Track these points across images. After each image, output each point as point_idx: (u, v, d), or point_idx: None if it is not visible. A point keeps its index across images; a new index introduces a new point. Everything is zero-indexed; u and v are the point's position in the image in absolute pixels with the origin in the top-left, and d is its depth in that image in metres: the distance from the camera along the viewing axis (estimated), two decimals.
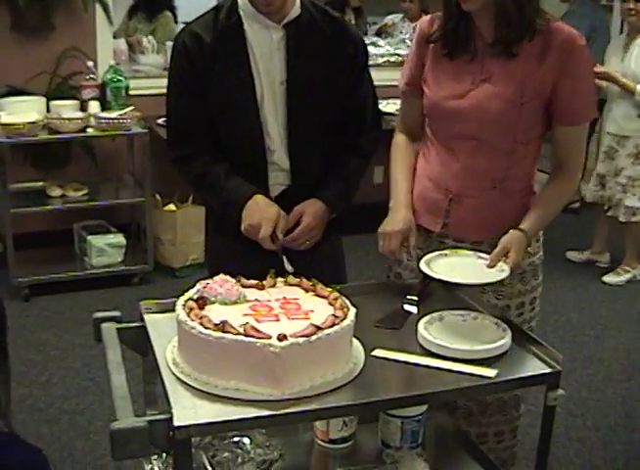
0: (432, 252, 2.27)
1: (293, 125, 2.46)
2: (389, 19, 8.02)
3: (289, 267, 2.33)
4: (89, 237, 5.23)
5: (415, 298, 2.22)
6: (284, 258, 2.37)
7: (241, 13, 2.40)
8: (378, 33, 7.60)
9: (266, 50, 2.41)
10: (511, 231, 2.21)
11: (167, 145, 2.59)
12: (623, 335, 4.73)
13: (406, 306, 2.20)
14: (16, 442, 1.47)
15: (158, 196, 5.31)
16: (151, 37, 6.45)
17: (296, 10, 2.41)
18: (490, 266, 2.14)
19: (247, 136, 2.47)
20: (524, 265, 2.34)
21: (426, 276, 2.16)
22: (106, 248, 5.20)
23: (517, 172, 2.32)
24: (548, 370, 1.88)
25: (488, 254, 2.19)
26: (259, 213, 2.37)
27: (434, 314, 2.06)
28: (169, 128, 2.59)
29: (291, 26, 2.41)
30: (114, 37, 5.79)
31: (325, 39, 2.46)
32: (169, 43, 6.36)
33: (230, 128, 2.48)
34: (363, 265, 5.13)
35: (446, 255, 2.25)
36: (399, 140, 2.53)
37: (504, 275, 2.12)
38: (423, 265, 2.18)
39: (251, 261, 2.20)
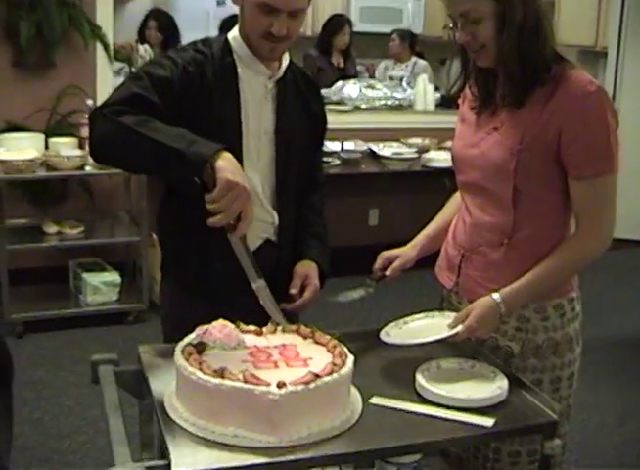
0: (419, 313, 2.31)
1: (279, 177, 2.43)
2: (382, 65, 8.20)
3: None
4: (84, 275, 5.24)
5: (374, 282, 2.44)
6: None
7: (235, 56, 2.36)
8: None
9: (257, 98, 2.38)
10: (486, 296, 2.15)
11: (98, 106, 2.20)
12: (618, 379, 4.75)
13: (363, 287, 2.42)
14: None
15: (154, 235, 5.30)
16: (147, 46, 6.51)
17: (286, 62, 2.43)
18: (451, 328, 2.11)
19: None
20: (557, 337, 2.26)
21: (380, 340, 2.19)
22: (101, 286, 5.21)
23: (528, 229, 2.21)
24: (545, 420, 1.88)
25: None
26: (241, 174, 1.99)
27: (432, 362, 2.07)
28: (111, 98, 2.19)
29: (280, 79, 2.41)
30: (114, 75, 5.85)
31: (304, 97, 2.50)
32: None
33: None
34: (357, 309, 5.13)
35: (432, 317, 2.27)
36: (456, 194, 2.52)
37: (438, 337, 2.07)
38: (386, 330, 2.22)
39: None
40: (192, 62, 2.27)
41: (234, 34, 2.37)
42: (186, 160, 1.96)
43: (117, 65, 6.18)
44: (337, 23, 7.64)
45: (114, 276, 5.29)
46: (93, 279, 5.22)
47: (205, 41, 2.39)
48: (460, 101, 2.41)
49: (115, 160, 2.18)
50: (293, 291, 2.40)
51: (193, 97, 2.25)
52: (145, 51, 6.44)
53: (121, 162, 2.19)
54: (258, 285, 2.00)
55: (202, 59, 2.30)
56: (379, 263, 2.45)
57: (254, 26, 2.27)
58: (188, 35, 6.72)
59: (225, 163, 1.95)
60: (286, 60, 2.42)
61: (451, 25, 2.16)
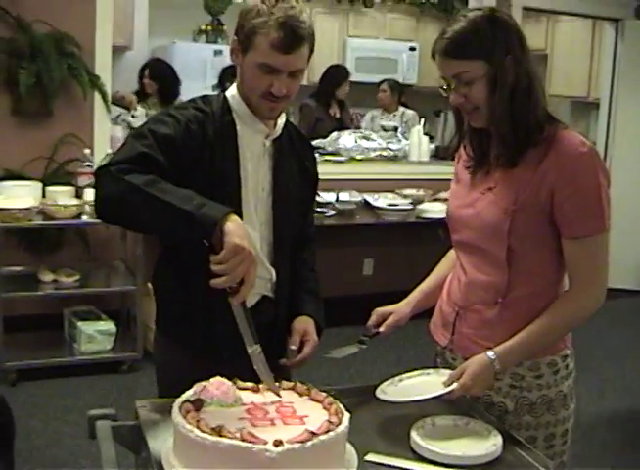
0: (414, 370, 2.32)
1: (276, 233, 2.45)
2: (369, 116, 8.29)
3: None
4: (79, 323, 5.24)
5: (368, 338, 2.46)
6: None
7: (234, 115, 2.39)
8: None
9: (254, 155, 2.40)
10: (481, 353, 2.18)
11: (104, 164, 2.16)
12: (613, 430, 4.74)
13: (357, 344, 2.45)
14: None
15: (149, 284, 5.30)
16: (144, 110, 6.57)
17: (282, 121, 2.46)
18: (447, 385, 2.14)
19: None
20: (551, 394, 2.28)
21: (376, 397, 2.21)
22: (95, 335, 5.20)
23: (522, 287, 2.24)
24: None
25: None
26: (249, 239, 1.99)
27: (427, 419, 2.08)
28: (117, 156, 2.16)
29: (276, 137, 2.44)
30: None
31: (298, 155, 2.54)
32: None
33: None
34: (351, 361, 5.12)
35: (428, 374, 2.29)
36: (451, 251, 2.54)
37: (433, 394, 2.10)
38: (382, 388, 2.24)
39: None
40: (194, 120, 2.30)
41: (232, 93, 2.40)
42: (195, 221, 1.96)
43: (114, 110, 6.23)
44: (338, 74, 7.69)
45: (108, 325, 5.29)
46: (88, 328, 5.22)
47: (205, 98, 2.41)
48: (455, 161, 2.46)
49: (122, 219, 2.18)
50: (293, 347, 2.42)
51: (194, 155, 2.27)
52: (140, 114, 6.51)
53: (128, 221, 2.19)
54: (254, 349, 1.99)
55: (202, 117, 2.32)
56: (373, 320, 2.48)
57: (255, 86, 2.30)
58: (185, 85, 6.81)
59: (234, 226, 1.95)
60: (282, 118, 2.46)
61: (445, 87, 2.21)
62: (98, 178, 2.14)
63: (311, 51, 2.31)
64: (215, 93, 2.49)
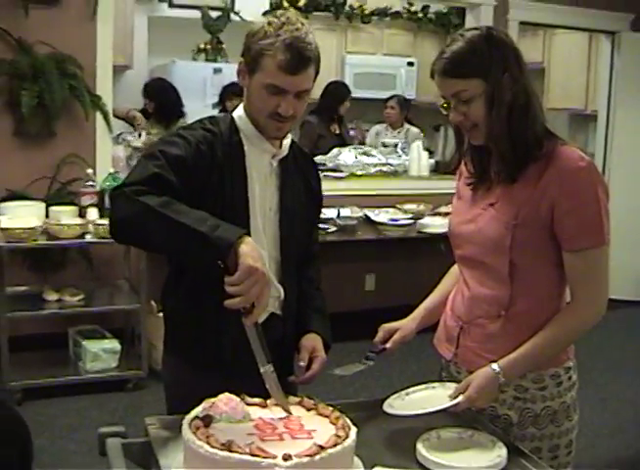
0: (420, 384, 2.35)
1: (284, 252, 2.47)
2: (373, 131, 8.30)
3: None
4: (84, 342, 5.27)
5: (375, 354, 2.47)
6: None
7: (241, 135, 2.41)
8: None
9: (262, 175, 2.43)
10: (485, 366, 2.21)
11: (118, 186, 2.19)
12: (616, 440, 4.76)
13: (364, 360, 2.46)
14: None
15: (153, 302, 5.36)
16: (146, 137, 6.60)
17: (288, 140, 2.49)
18: (452, 398, 2.17)
19: None
20: (555, 406, 2.31)
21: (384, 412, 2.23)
22: (100, 353, 5.23)
23: (525, 301, 2.27)
24: None
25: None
26: (262, 260, 2.01)
27: (432, 432, 2.11)
28: (130, 177, 2.21)
29: (283, 157, 2.47)
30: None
31: (304, 174, 2.56)
32: None
33: None
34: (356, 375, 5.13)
35: (434, 387, 2.32)
36: (454, 267, 2.58)
37: (439, 407, 2.13)
38: (389, 402, 2.26)
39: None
40: (203, 141, 2.33)
41: (239, 113, 2.44)
42: (210, 243, 1.98)
43: (119, 128, 6.25)
44: (341, 90, 7.69)
45: (113, 343, 5.32)
46: (93, 346, 5.24)
47: (212, 119, 2.44)
48: (456, 177, 2.49)
49: (137, 239, 2.21)
50: (302, 364, 2.44)
51: (204, 175, 2.31)
52: (140, 134, 6.57)
53: (142, 242, 2.23)
54: (266, 369, 2.01)
55: (211, 138, 2.35)
56: (379, 336, 2.50)
57: (262, 107, 2.33)
58: (185, 103, 6.83)
59: (248, 248, 1.97)
60: (288, 138, 2.49)
61: (445, 105, 2.25)
62: (112, 200, 2.18)
63: (317, 72, 2.36)
64: (219, 113, 2.52)
